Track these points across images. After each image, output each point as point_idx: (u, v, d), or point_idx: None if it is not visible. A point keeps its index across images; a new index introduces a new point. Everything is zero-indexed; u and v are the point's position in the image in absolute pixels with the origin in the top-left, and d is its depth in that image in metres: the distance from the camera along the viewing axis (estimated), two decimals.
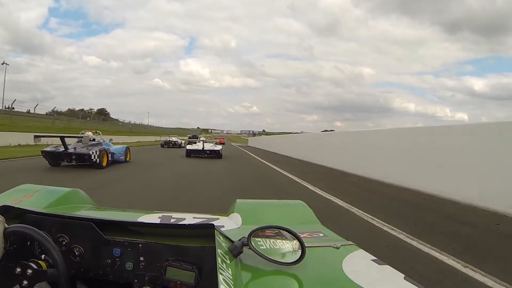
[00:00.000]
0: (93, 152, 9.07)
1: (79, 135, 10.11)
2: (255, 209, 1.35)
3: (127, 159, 11.39)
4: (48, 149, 9.25)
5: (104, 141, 10.47)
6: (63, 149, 8.94)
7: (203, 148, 14.95)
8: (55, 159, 9.17)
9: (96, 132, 11.20)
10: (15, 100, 35.89)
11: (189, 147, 15.77)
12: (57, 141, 9.49)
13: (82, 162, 9.02)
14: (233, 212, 1.28)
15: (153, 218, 1.19)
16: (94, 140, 9.89)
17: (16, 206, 0.91)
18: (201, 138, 19.53)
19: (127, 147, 11.72)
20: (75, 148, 9.17)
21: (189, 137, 24.91)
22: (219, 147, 15.37)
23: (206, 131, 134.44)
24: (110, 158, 9.90)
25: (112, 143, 11.00)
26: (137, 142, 30.30)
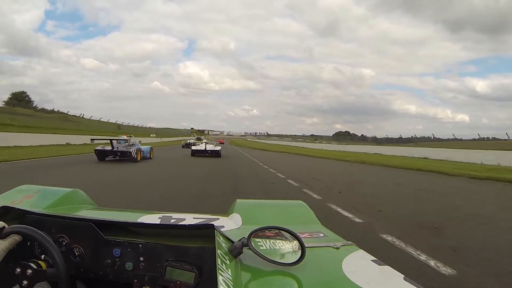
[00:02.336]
0: (132, 150, 12.92)
1: (118, 138, 14.06)
2: (255, 209, 1.35)
3: (151, 156, 15.16)
4: (98, 148, 13.06)
5: (136, 142, 14.20)
6: (110, 148, 12.87)
7: (205, 149, 17.91)
8: (103, 155, 12.88)
9: (130, 136, 14.82)
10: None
11: (193, 147, 18.86)
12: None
13: (124, 157, 12.74)
14: (233, 212, 1.28)
15: (153, 218, 1.19)
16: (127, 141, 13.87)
17: (16, 206, 0.91)
18: (204, 140, 24.12)
19: (151, 148, 15.71)
20: (117, 147, 12.94)
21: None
22: (218, 148, 18.46)
23: (201, 132, 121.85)
24: (142, 155, 13.80)
25: (141, 144, 15.39)
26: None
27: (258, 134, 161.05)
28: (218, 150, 17.62)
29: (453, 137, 29.40)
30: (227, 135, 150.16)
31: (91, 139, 13.95)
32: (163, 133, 67.84)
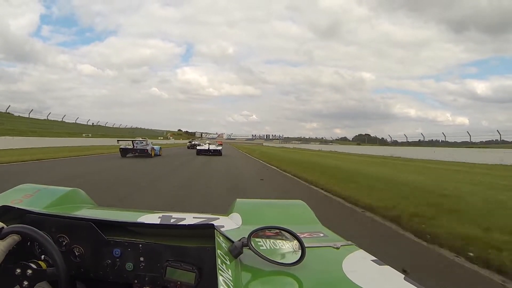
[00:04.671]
0: (148, 149, 17.17)
1: (136, 139, 18.31)
2: (255, 209, 1.35)
3: (160, 153, 19.04)
4: (122, 146, 17.43)
5: (150, 143, 18.33)
6: (131, 147, 17.19)
7: (208, 148, 22.11)
8: (126, 152, 17.10)
9: (145, 138, 19.72)
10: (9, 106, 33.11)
11: (198, 148, 23.15)
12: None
13: (142, 154, 16.93)
14: (233, 212, 1.28)
15: (153, 218, 1.18)
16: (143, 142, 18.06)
17: (16, 206, 0.91)
18: (207, 141, 28.99)
19: (160, 147, 19.72)
20: (136, 146, 17.18)
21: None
22: (220, 147, 22.63)
23: (191, 135, 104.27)
24: (154, 153, 17.72)
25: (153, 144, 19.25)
26: None
27: (271, 138, 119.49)
28: (219, 150, 22.02)
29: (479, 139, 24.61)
30: (227, 139, 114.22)
31: (117, 140, 18.84)
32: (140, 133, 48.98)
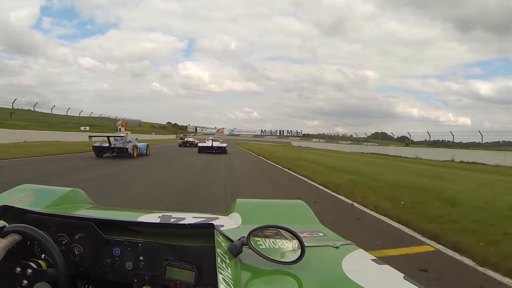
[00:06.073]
0: (129, 147, 12.98)
1: (115, 135, 14.52)
2: (255, 209, 1.35)
3: (147, 153, 15.41)
4: (96, 144, 13.07)
5: (132, 139, 14.51)
6: (107, 144, 12.85)
7: (212, 145, 19.54)
8: (101, 152, 12.85)
9: (126, 133, 15.61)
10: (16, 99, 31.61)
11: (200, 144, 20.71)
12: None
13: (121, 153, 12.71)
14: (233, 212, 1.28)
15: (153, 217, 1.19)
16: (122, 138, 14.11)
17: (16, 206, 0.91)
18: (210, 138, 25.35)
19: (148, 144, 15.94)
20: (115, 144, 13.02)
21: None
22: (224, 144, 19.91)
23: (182, 129, 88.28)
24: (138, 152, 13.94)
25: (137, 141, 15.50)
26: None
27: (285, 135, 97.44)
28: (224, 147, 19.47)
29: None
30: (230, 135, 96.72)
31: (89, 136, 14.29)
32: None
